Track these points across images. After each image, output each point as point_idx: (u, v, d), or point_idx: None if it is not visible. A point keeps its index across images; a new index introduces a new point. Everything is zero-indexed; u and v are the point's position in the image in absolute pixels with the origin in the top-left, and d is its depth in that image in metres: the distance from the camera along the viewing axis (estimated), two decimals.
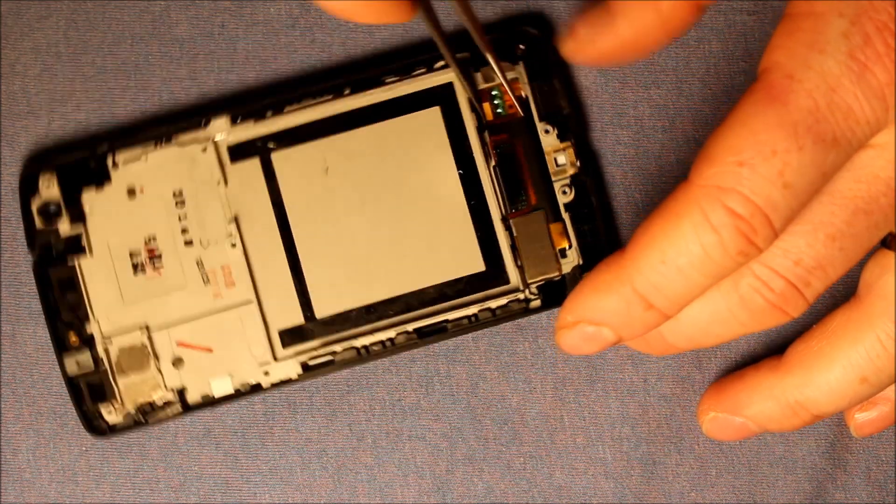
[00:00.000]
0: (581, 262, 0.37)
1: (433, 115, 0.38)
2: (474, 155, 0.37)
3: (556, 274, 0.37)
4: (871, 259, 0.33)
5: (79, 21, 0.39)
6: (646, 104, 0.39)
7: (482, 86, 0.38)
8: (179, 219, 0.38)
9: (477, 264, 0.38)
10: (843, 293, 0.36)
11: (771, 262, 0.32)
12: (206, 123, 0.37)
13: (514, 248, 0.37)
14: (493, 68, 0.36)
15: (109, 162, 0.38)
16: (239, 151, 0.38)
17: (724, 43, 0.37)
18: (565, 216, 0.38)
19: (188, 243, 0.38)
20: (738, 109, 0.30)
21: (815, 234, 0.32)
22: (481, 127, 0.37)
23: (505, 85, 0.36)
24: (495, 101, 0.38)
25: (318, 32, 0.38)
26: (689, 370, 0.40)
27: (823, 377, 0.35)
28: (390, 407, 0.39)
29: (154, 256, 0.38)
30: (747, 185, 0.30)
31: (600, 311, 0.32)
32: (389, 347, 0.38)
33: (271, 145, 0.37)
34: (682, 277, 0.31)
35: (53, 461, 0.39)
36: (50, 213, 0.38)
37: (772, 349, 0.38)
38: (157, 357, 0.38)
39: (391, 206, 0.37)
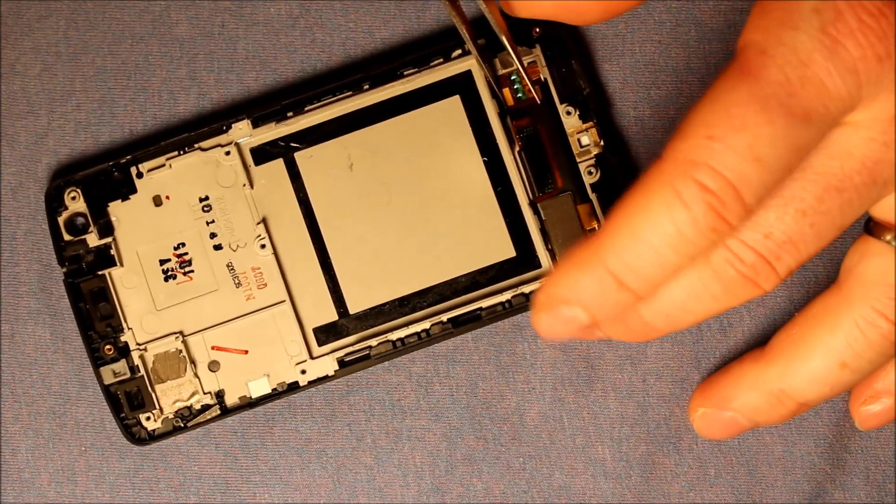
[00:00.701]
0: None
1: (454, 104, 0.43)
2: (498, 141, 0.43)
3: None
4: (852, 245, 0.38)
5: (79, 21, 0.44)
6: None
7: (501, 71, 0.43)
8: (207, 223, 0.43)
9: (507, 250, 0.43)
10: (826, 282, 0.41)
11: (741, 234, 0.34)
12: (228, 128, 0.43)
13: (543, 232, 0.43)
14: (510, 53, 0.41)
15: (134, 172, 0.43)
16: (262, 153, 0.43)
17: (725, 43, 0.43)
18: (592, 196, 0.42)
19: (217, 247, 0.43)
20: (713, 86, 0.33)
21: (786, 208, 0.34)
22: (503, 113, 0.43)
23: (521, 70, 0.42)
24: (515, 86, 0.43)
25: (318, 32, 0.45)
26: (688, 370, 0.44)
27: (804, 365, 0.38)
28: (390, 407, 0.44)
29: (184, 262, 0.43)
30: (718, 159, 0.33)
31: (573, 291, 0.35)
32: (425, 339, 0.43)
33: (294, 145, 0.43)
34: (655, 255, 0.34)
35: (52, 461, 0.44)
36: (77, 227, 0.43)
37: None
38: (193, 362, 0.43)
39: (418, 197, 0.43)
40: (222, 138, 0.42)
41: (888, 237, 0.36)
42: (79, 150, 0.44)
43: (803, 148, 0.33)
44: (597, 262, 0.34)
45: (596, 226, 0.41)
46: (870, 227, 0.37)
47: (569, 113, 0.42)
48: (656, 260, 0.33)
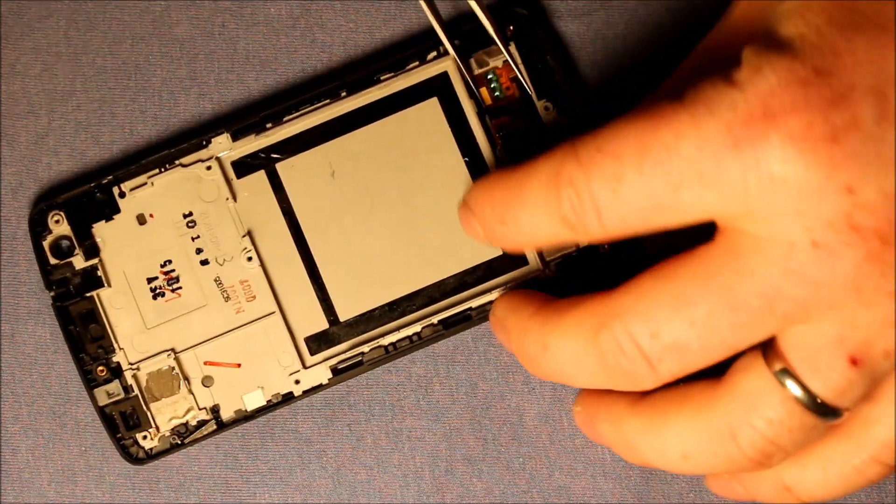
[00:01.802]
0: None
1: (432, 106, 0.43)
2: (478, 141, 0.43)
3: (573, 249, 0.42)
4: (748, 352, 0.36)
5: (79, 21, 0.44)
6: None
7: (477, 71, 0.43)
8: (192, 239, 0.43)
9: (494, 249, 0.43)
10: None
11: (632, 325, 0.35)
12: (208, 143, 0.43)
13: None
14: (487, 52, 0.42)
15: (116, 192, 0.43)
16: (243, 166, 0.43)
17: None
18: None
19: (204, 262, 0.43)
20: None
21: (678, 311, 0.34)
22: (482, 112, 0.42)
23: (510, 60, 0.42)
24: (492, 85, 0.43)
25: (319, 33, 0.44)
26: None
27: (661, 432, 0.37)
28: (390, 408, 0.44)
29: (172, 279, 0.43)
30: (587, 171, 0.34)
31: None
32: (417, 342, 0.43)
33: (275, 156, 0.43)
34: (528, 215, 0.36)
35: (52, 461, 0.44)
36: (63, 250, 0.43)
37: None
38: (186, 378, 0.43)
39: (402, 201, 0.42)
40: (202, 153, 0.42)
41: (776, 368, 0.35)
42: (79, 150, 0.44)
43: (663, 205, 0.34)
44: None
45: None
46: (767, 347, 0.35)
47: (547, 109, 0.42)
48: (524, 210, 0.36)
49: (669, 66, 0.42)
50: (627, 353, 0.35)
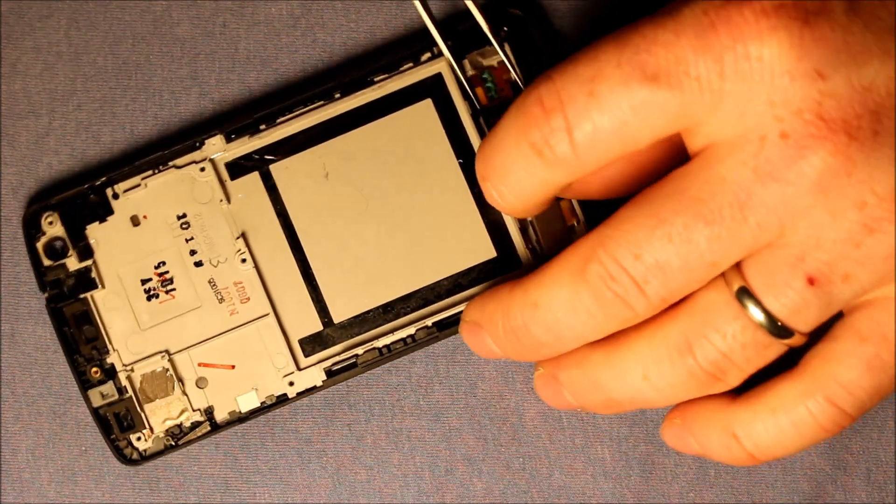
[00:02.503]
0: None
1: (426, 107, 0.42)
2: (472, 142, 0.43)
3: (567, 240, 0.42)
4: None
5: (80, 20, 0.44)
6: None
7: (471, 72, 0.43)
8: (186, 241, 0.43)
9: (488, 251, 0.43)
10: None
11: (615, 250, 0.35)
12: (201, 144, 0.42)
13: (523, 231, 0.42)
14: (481, 53, 0.42)
15: (110, 193, 0.42)
16: (237, 168, 0.43)
17: None
18: None
19: (198, 264, 0.43)
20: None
21: (654, 229, 0.34)
22: (476, 113, 0.42)
23: (505, 59, 0.41)
24: (487, 85, 0.43)
25: (320, 32, 0.44)
26: None
27: (617, 363, 0.37)
28: (390, 407, 0.43)
29: (166, 281, 0.43)
30: (557, 83, 0.34)
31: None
32: (411, 344, 0.42)
33: (269, 157, 0.42)
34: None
35: (53, 461, 0.44)
36: (56, 251, 0.43)
37: None
38: (180, 380, 0.42)
39: (395, 202, 0.42)
40: (196, 154, 0.42)
41: (735, 286, 0.35)
42: (80, 150, 0.43)
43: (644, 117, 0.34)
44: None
45: (576, 223, 0.41)
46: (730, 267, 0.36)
47: None
48: (504, 159, 0.36)
49: None
50: (617, 278, 0.35)
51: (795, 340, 0.35)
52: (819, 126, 0.33)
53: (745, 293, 0.35)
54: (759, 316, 0.35)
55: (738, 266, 0.35)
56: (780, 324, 0.35)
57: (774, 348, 0.36)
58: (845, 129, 0.33)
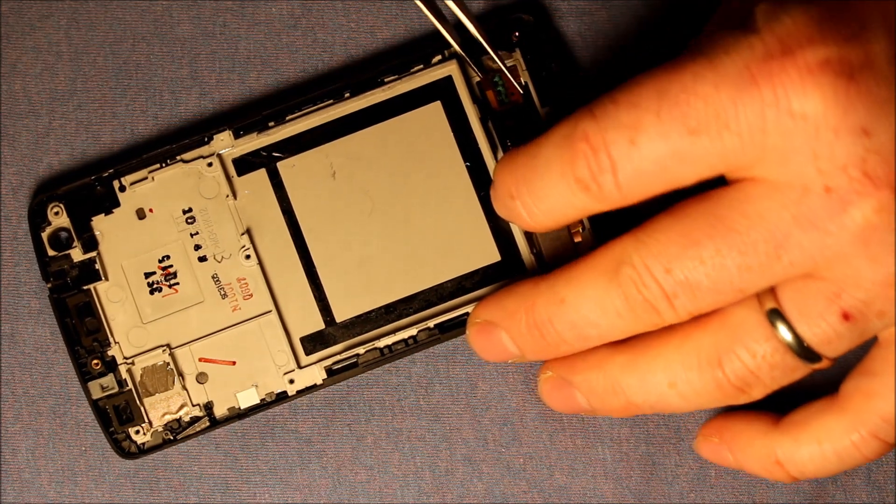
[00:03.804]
0: (594, 244, 0.41)
1: (435, 109, 0.42)
2: (480, 146, 0.42)
3: (571, 251, 0.41)
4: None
5: (80, 20, 0.44)
6: None
7: (477, 79, 0.43)
8: (191, 235, 0.43)
9: (492, 255, 0.42)
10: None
11: (648, 258, 0.35)
12: (209, 139, 0.42)
13: (528, 236, 0.42)
14: (492, 57, 0.42)
15: (116, 186, 0.42)
16: (244, 164, 0.43)
17: None
18: None
19: (202, 259, 0.43)
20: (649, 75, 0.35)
21: (687, 249, 0.35)
22: (485, 117, 0.42)
23: (506, 71, 0.42)
24: (498, 89, 0.43)
25: (320, 32, 0.44)
26: None
27: (643, 368, 0.38)
28: (390, 407, 0.43)
29: (169, 275, 0.43)
30: (601, 124, 0.34)
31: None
32: (412, 345, 0.42)
33: (276, 155, 0.42)
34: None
35: (53, 461, 0.44)
36: (61, 241, 0.43)
37: None
38: (180, 374, 0.42)
39: (401, 204, 0.42)
40: (204, 150, 0.42)
41: (768, 306, 0.36)
42: (80, 150, 0.43)
43: (682, 163, 0.34)
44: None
45: (580, 227, 0.41)
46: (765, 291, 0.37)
47: (550, 116, 0.42)
48: (544, 181, 0.36)
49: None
50: (648, 286, 0.35)
51: (822, 365, 0.36)
52: (864, 183, 0.33)
53: (778, 316, 0.35)
54: (790, 341, 0.36)
55: (772, 289, 0.36)
56: (810, 350, 0.36)
57: (801, 371, 0.37)
58: (889, 185, 0.33)
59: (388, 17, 0.43)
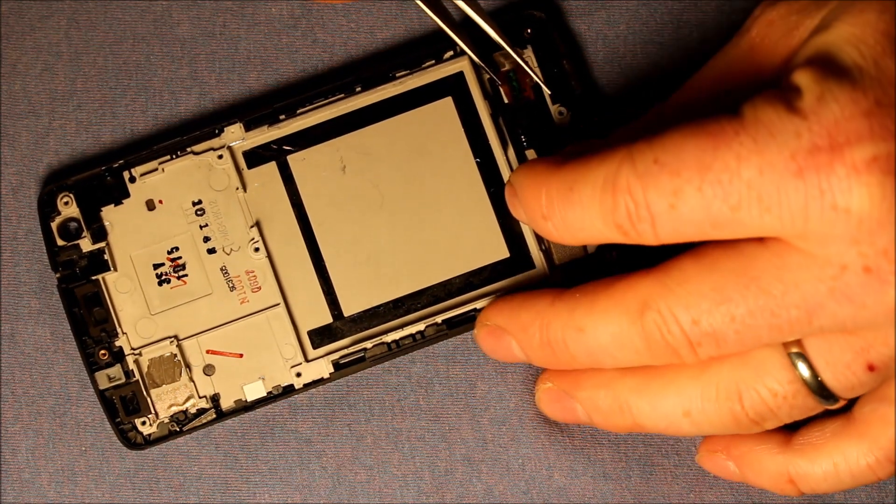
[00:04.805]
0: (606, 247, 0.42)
1: (446, 105, 0.42)
2: (490, 142, 0.42)
3: (582, 253, 0.42)
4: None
5: (80, 20, 0.44)
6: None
7: (488, 76, 0.43)
8: (200, 227, 0.43)
9: (501, 251, 0.42)
10: None
11: (675, 307, 0.36)
12: (220, 132, 0.42)
13: (537, 234, 0.42)
14: (505, 53, 0.42)
15: (126, 176, 0.42)
16: (254, 157, 0.43)
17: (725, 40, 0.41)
18: None
19: (211, 251, 0.43)
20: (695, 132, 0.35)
21: (719, 306, 0.35)
22: (495, 114, 0.42)
23: (524, 65, 0.42)
24: (513, 84, 0.43)
25: (320, 33, 0.44)
26: None
27: (657, 396, 0.38)
28: (390, 408, 0.43)
29: (178, 266, 0.43)
30: (643, 182, 0.35)
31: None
32: (420, 340, 0.42)
33: (287, 148, 0.42)
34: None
35: (52, 461, 0.43)
36: (70, 232, 0.43)
37: None
38: (188, 366, 0.42)
39: (411, 199, 0.42)
40: (214, 142, 0.42)
41: (793, 349, 0.36)
42: (80, 150, 0.43)
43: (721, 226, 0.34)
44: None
45: None
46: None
47: (561, 114, 0.42)
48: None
49: (671, 66, 0.42)
50: (672, 333, 0.35)
51: (839, 405, 0.37)
52: None
53: (802, 360, 0.36)
54: (813, 386, 0.36)
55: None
56: (832, 394, 0.36)
57: (818, 409, 0.37)
58: None
59: (388, 18, 0.43)
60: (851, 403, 0.39)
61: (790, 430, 0.40)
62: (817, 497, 0.43)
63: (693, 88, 0.39)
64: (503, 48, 0.41)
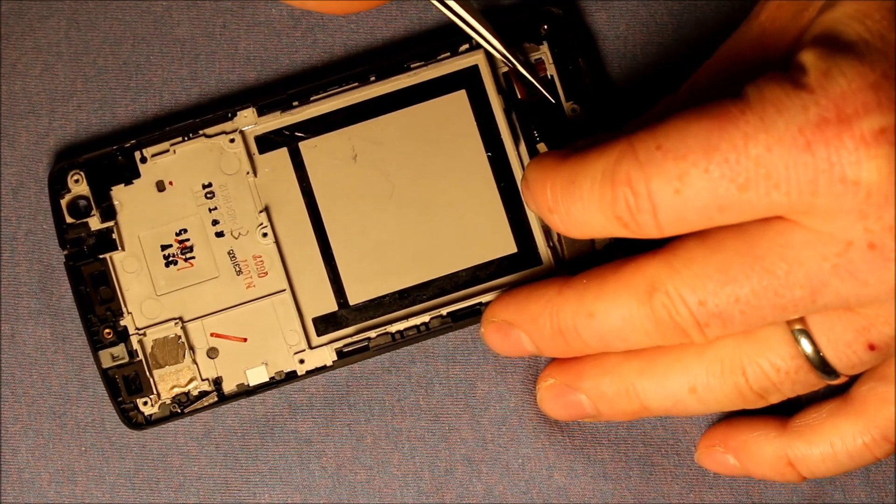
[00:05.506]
0: (612, 238, 0.41)
1: (459, 98, 0.42)
2: (502, 137, 0.42)
3: (590, 249, 0.42)
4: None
5: (80, 21, 0.44)
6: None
7: (503, 69, 0.43)
8: (209, 210, 0.43)
9: (509, 246, 0.42)
10: None
11: (682, 288, 0.36)
12: (233, 115, 0.42)
13: (545, 229, 0.42)
14: (518, 51, 0.42)
15: (138, 156, 0.42)
16: (266, 142, 0.43)
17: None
18: None
19: (219, 234, 0.43)
20: (693, 113, 0.35)
21: (724, 287, 0.35)
22: (509, 108, 0.42)
23: (520, 68, 0.41)
24: (526, 80, 0.43)
25: (320, 33, 0.44)
26: None
27: (664, 375, 0.39)
28: (389, 408, 0.43)
29: (185, 248, 0.43)
30: (646, 170, 0.34)
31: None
32: (424, 332, 0.42)
33: (299, 135, 0.42)
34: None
35: (52, 461, 0.43)
36: (80, 209, 0.43)
37: None
38: (191, 348, 0.42)
39: (421, 190, 0.42)
40: (227, 125, 0.42)
41: (796, 326, 0.37)
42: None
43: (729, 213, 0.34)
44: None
45: None
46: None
47: (574, 111, 0.42)
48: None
49: (671, 66, 0.42)
50: (680, 313, 0.36)
51: (840, 380, 0.37)
52: None
53: (805, 337, 0.36)
54: (816, 362, 0.37)
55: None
56: (833, 370, 0.37)
57: (819, 384, 0.38)
58: None
59: (387, 18, 0.44)
60: (851, 382, 0.39)
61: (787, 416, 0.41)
62: (817, 497, 0.43)
63: (703, 76, 0.39)
64: (517, 44, 0.41)
